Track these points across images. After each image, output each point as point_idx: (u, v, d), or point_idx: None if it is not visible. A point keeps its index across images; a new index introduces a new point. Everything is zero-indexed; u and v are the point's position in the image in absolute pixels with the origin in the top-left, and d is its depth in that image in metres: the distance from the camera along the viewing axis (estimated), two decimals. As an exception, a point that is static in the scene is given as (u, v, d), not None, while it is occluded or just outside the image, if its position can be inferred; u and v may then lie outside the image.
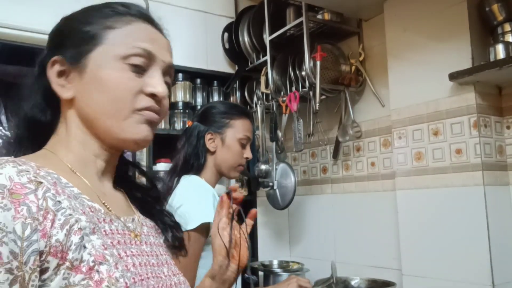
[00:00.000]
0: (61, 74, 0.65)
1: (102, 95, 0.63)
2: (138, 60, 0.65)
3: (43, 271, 0.51)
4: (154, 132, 0.68)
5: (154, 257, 0.68)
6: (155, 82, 0.66)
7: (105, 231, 0.60)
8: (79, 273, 0.52)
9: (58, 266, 0.52)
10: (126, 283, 0.56)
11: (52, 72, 0.65)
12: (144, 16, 0.69)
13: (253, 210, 0.89)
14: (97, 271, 0.54)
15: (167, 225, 0.79)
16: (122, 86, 0.63)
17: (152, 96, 0.65)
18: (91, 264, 0.53)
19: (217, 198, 1.30)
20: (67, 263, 0.52)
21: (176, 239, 0.79)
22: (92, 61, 0.64)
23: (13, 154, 0.67)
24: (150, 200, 0.80)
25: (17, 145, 0.69)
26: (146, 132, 0.65)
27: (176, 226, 0.81)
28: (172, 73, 0.71)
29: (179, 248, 0.80)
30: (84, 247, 0.54)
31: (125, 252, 0.61)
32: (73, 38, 0.66)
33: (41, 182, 0.54)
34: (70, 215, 0.54)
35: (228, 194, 0.85)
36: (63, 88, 0.65)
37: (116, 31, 0.66)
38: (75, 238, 0.53)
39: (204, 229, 1.24)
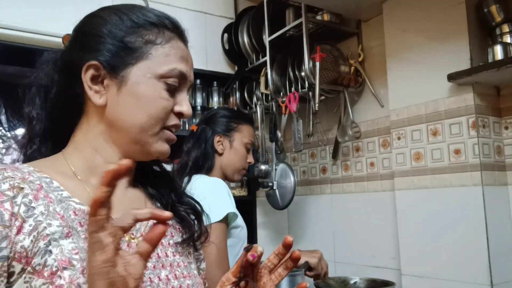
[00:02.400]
0: (95, 78, 0.65)
1: (139, 110, 0.65)
2: (173, 81, 0.68)
3: (10, 274, 0.54)
4: None
5: (153, 260, 0.67)
6: (183, 101, 0.69)
7: (85, 234, 0.60)
8: (41, 277, 0.54)
9: (22, 270, 0.54)
10: None
11: (87, 76, 0.65)
12: (178, 32, 0.71)
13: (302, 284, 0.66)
14: (60, 276, 0.55)
15: (182, 216, 0.77)
16: (159, 105, 0.66)
17: (180, 115, 0.69)
18: (54, 269, 0.55)
19: (229, 188, 1.40)
20: (29, 268, 0.54)
21: (197, 231, 0.77)
22: (133, 75, 0.65)
23: (38, 146, 0.70)
24: (168, 192, 0.78)
25: (43, 137, 0.70)
26: (167, 149, 0.70)
27: (190, 214, 0.78)
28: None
29: (198, 237, 0.77)
30: (50, 252, 0.56)
31: None
32: (111, 45, 0.65)
33: (22, 188, 0.57)
34: (40, 221, 0.57)
35: (246, 250, 0.65)
36: (97, 94, 0.65)
37: (158, 48, 0.67)
38: (41, 244, 0.56)
39: (226, 219, 1.33)
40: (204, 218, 0.80)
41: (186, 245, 0.75)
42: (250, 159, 1.59)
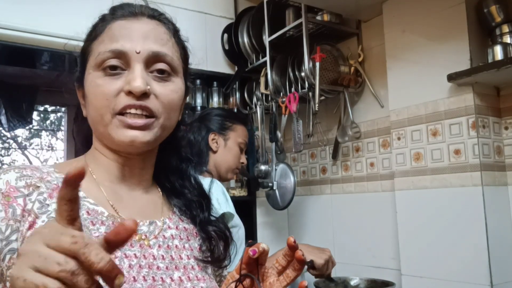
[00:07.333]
0: (82, 95, 0.71)
1: (90, 106, 0.67)
2: (112, 62, 0.64)
3: None
4: (155, 131, 0.65)
5: (166, 261, 0.67)
6: (130, 77, 0.63)
7: (96, 233, 0.62)
8: None
9: None
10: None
11: (79, 96, 0.72)
12: (119, 12, 0.68)
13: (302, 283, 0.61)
14: None
15: (210, 236, 0.75)
16: (98, 94, 0.65)
17: (131, 93, 0.63)
18: None
19: (224, 188, 1.39)
20: None
21: (216, 251, 0.74)
22: (85, 79, 0.68)
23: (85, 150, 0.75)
24: (195, 207, 0.77)
25: (85, 141, 0.77)
26: (131, 137, 0.63)
27: (219, 238, 0.76)
28: (163, 58, 0.66)
29: (218, 260, 0.74)
30: None
31: (114, 254, 0.61)
32: (80, 60, 0.71)
33: (38, 187, 0.61)
34: (53, 217, 0.58)
35: (249, 246, 0.63)
36: (84, 109, 0.71)
37: (97, 40, 0.67)
38: None
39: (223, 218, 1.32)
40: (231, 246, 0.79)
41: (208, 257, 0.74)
42: (243, 159, 1.61)
